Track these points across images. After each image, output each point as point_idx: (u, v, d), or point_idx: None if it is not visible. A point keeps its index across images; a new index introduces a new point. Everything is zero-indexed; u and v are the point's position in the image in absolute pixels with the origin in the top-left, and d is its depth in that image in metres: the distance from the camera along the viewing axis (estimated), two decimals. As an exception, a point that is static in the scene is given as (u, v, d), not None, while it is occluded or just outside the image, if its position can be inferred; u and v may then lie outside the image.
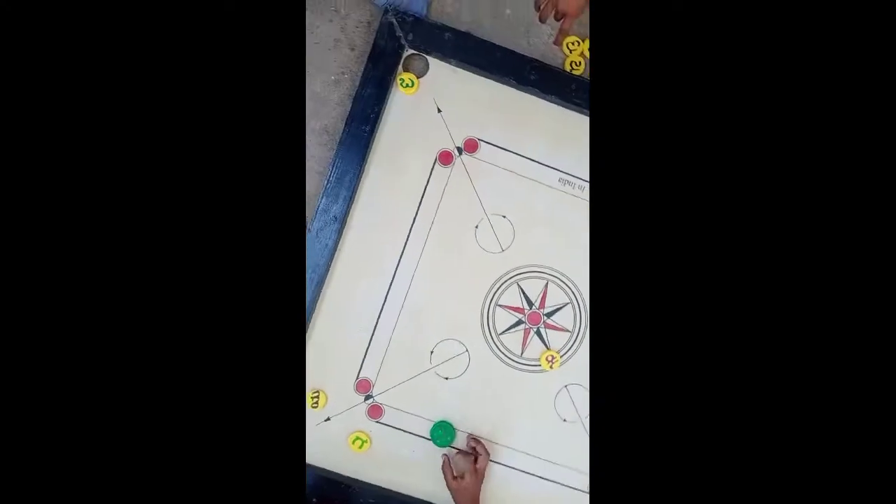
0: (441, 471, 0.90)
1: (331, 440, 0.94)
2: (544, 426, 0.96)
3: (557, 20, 0.85)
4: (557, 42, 0.92)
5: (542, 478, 0.96)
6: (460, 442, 0.95)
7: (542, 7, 0.85)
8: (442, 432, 0.94)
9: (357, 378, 0.95)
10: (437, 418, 0.95)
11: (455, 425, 0.95)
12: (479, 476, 0.88)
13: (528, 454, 0.96)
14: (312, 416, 0.94)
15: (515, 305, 0.96)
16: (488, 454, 0.90)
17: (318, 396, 0.94)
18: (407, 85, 0.93)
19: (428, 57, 0.94)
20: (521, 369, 0.96)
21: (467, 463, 0.89)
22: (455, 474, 0.88)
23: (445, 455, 0.92)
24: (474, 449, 0.91)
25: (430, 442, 0.95)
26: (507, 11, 0.99)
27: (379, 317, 0.94)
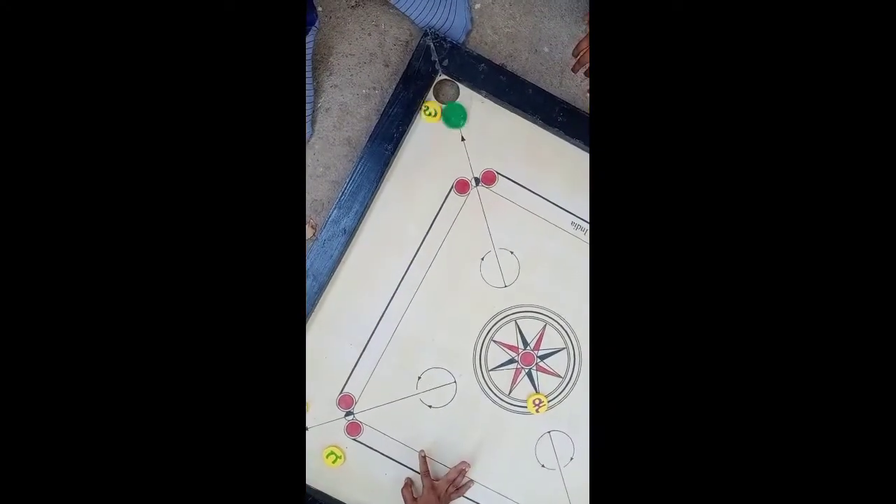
0: (401, 494, 0.89)
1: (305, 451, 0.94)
2: (522, 469, 0.95)
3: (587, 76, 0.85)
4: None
5: (513, 522, 0.94)
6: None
7: (580, 53, 0.86)
8: (455, 116, 0.93)
9: (341, 393, 0.94)
10: (415, 445, 0.94)
11: (430, 454, 0.93)
12: (440, 497, 0.87)
13: (500, 495, 0.94)
14: (291, 424, 0.94)
15: (510, 343, 0.95)
16: (451, 482, 0.90)
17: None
18: (430, 114, 0.93)
19: (459, 84, 0.95)
20: (506, 408, 0.95)
21: (428, 482, 0.89)
22: (415, 495, 0.88)
23: (408, 478, 0.91)
24: (461, 472, 0.91)
25: (402, 466, 0.93)
26: (546, 49, 0.99)
27: (372, 334, 0.94)
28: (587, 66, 0.83)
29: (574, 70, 0.82)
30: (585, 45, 0.86)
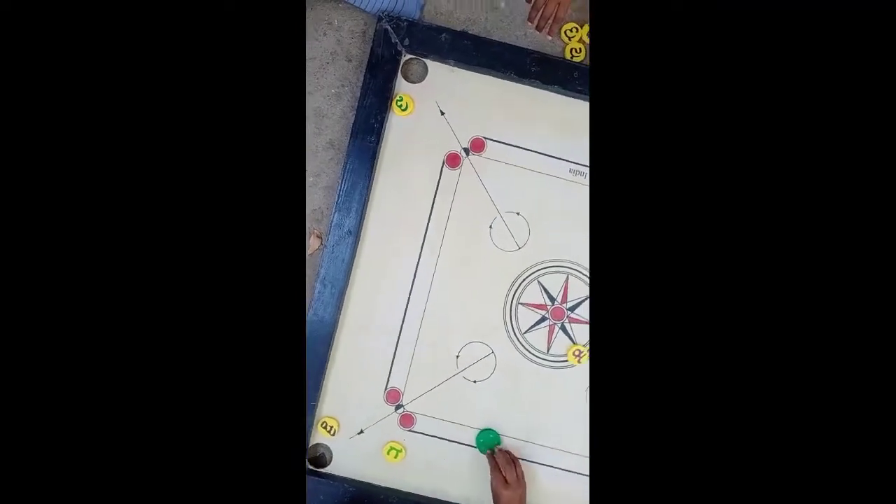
0: (490, 473, 0.89)
1: (365, 452, 0.94)
2: (578, 422, 0.95)
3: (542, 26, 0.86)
4: (552, 32, 0.90)
5: (583, 475, 0.95)
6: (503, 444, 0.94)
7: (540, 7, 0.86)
8: (484, 439, 0.93)
9: (386, 389, 0.94)
10: (469, 423, 0.94)
11: (487, 425, 0.94)
12: (523, 485, 0.88)
13: (565, 451, 0.95)
14: (346, 431, 0.95)
15: (537, 302, 0.95)
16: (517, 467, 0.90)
17: (331, 427, 0.94)
18: (402, 107, 0.92)
19: (426, 60, 0.93)
20: (548, 366, 0.95)
21: (513, 471, 0.88)
22: (508, 480, 0.86)
23: (492, 457, 0.90)
24: (513, 460, 0.90)
25: (464, 446, 0.94)
26: (502, 4, 0.97)
27: (402, 325, 0.94)
28: (549, 19, 0.83)
29: (531, 20, 0.82)
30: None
